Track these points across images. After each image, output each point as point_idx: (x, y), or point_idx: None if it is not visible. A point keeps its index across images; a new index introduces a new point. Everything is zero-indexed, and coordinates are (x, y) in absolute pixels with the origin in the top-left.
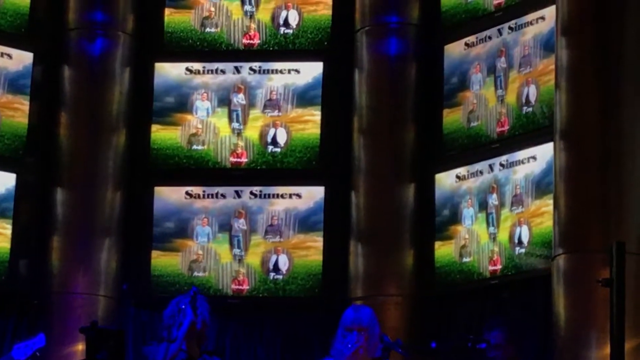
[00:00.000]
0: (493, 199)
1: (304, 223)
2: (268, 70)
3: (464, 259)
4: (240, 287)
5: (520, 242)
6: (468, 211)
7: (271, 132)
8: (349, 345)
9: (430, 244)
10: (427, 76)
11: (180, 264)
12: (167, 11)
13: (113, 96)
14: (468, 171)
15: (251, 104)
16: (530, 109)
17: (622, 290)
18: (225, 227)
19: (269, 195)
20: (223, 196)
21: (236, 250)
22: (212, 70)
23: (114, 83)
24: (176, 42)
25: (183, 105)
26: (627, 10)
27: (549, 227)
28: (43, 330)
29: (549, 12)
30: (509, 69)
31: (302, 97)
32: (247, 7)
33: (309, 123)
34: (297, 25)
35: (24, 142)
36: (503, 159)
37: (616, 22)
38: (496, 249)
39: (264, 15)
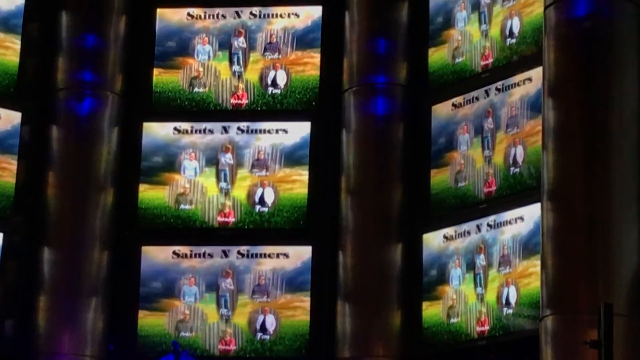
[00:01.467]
0: (481, 260)
1: (291, 283)
2: (256, 130)
3: (452, 320)
4: (228, 347)
5: (508, 303)
6: (455, 271)
7: (259, 191)
8: None
9: (418, 305)
10: (414, 136)
11: (167, 324)
12: (155, 71)
13: (101, 156)
14: (455, 231)
15: (239, 163)
16: (517, 170)
17: (610, 353)
18: (212, 286)
19: (256, 255)
20: (210, 256)
21: (223, 310)
22: (200, 130)
23: (102, 143)
24: (164, 102)
25: (171, 164)
26: (612, 72)
27: (536, 287)
28: None
29: (536, 73)
30: (496, 129)
31: (290, 157)
32: (236, 68)
33: (297, 183)
34: (286, 85)
35: (12, 201)
36: (490, 219)
37: (602, 84)
38: (484, 309)
39: (252, 75)
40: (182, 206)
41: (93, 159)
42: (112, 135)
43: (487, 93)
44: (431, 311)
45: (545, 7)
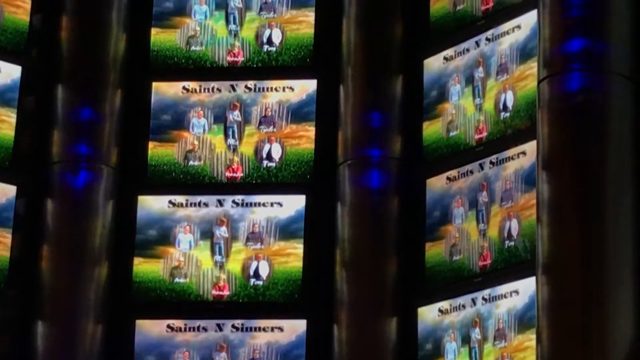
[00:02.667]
0: (476, 334)
1: (286, 357)
2: (251, 203)
3: None
4: None
5: None
6: (451, 345)
7: (254, 264)
8: None
9: None
10: (409, 209)
11: None
12: (150, 144)
13: (96, 229)
14: (451, 305)
15: (234, 236)
16: (512, 243)
17: None
18: (206, 359)
19: (250, 328)
20: (204, 329)
21: None
22: (195, 203)
23: (96, 216)
24: (159, 175)
25: (165, 238)
26: (606, 147)
27: None
28: None
29: (530, 147)
30: (491, 203)
31: (285, 230)
32: (231, 141)
33: (292, 256)
34: (280, 158)
35: (6, 275)
36: (486, 293)
37: (596, 158)
38: None
39: (247, 148)
40: (176, 279)
41: (88, 232)
42: (107, 209)
43: (481, 166)
44: None
45: (539, 82)
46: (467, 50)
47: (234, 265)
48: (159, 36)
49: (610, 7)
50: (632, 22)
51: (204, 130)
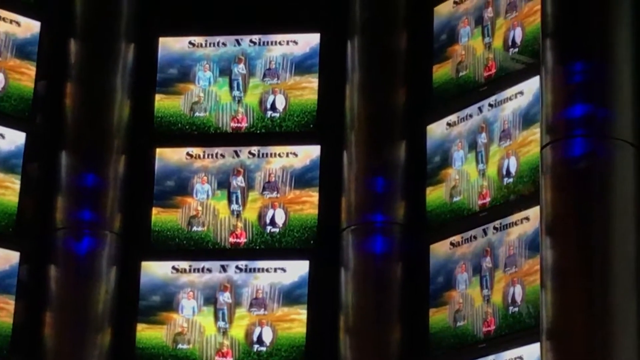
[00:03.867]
0: None
1: None
2: (254, 269)
3: None
4: None
5: None
6: None
7: (257, 330)
8: None
9: None
10: (413, 275)
11: None
12: (154, 210)
13: (99, 295)
14: None
15: (237, 302)
16: (516, 309)
17: None
18: None
19: None
20: None
21: None
22: (198, 269)
23: (100, 282)
24: (163, 241)
25: (169, 304)
26: (610, 212)
27: None
28: None
29: (533, 212)
30: (495, 268)
31: (288, 297)
32: (234, 206)
33: (295, 322)
34: (284, 224)
35: (9, 341)
36: (490, 358)
37: (600, 224)
38: None
39: (250, 214)
40: (179, 346)
41: (91, 299)
42: (111, 275)
43: (485, 232)
44: None
45: (542, 147)
46: (470, 116)
47: (238, 331)
48: (163, 102)
49: (613, 74)
50: (634, 89)
51: (208, 196)
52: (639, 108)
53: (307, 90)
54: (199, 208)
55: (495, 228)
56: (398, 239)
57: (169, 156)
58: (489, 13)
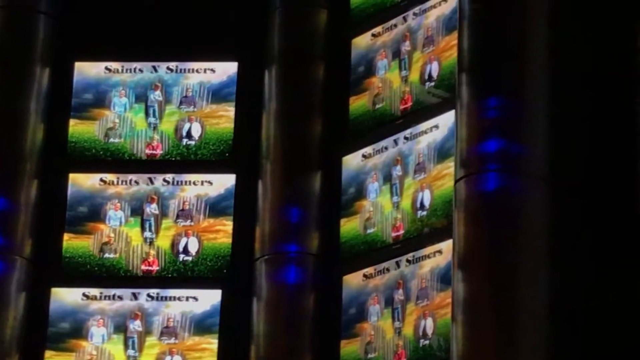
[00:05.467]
0: None
1: None
2: (166, 297)
3: None
4: None
5: None
6: None
7: (167, 359)
8: None
9: None
10: (325, 306)
11: None
12: (66, 236)
13: (7, 321)
14: None
15: (148, 331)
16: (427, 342)
17: None
18: None
19: None
20: None
21: None
22: (109, 297)
23: (8, 308)
24: (74, 267)
25: (78, 331)
26: (521, 247)
27: None
28: None
29: (446, 246)
30: (407, 301)
31: (200, 325)
32: (147, 234)
33: (206, 351)
34: (197, 252)
35: None
36: None
37: (511, 258)
38: None
39: (163, 241)
40: None
41: None
42: (20, 300)
43: (397, 264)
44: None
45: (456, 181)
46: (386, 148)
47: (148, 359)
48: (77, 127)
49: (527, 110)
50: (548, 125)
51: (121, 222)
52: (552, 144)
53: (224, 118)
54: (112, 235)
55: (408, 260)
56: (311, 269)
57: (82, 182)
58: (406, 46)
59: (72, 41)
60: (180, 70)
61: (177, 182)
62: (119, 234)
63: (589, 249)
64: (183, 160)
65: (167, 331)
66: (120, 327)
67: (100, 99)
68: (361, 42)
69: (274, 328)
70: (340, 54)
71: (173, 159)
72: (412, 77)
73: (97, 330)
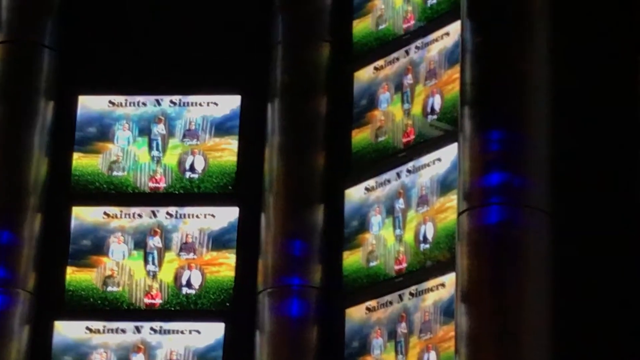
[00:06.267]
0: None
1: None
2: (169, 330)
3: None
4: None
5: None
6: None
7: None
8: None
9: None
10: (328, 339)
11: None
12: (69, 270)
13: (10, 355)
14: None
15: None
16: None
17: None
18: None
19: None
20: None
21: None
22: (112, 330)
23: (11, 341)
24: (77, 301)
25: None
26: (524, 280)
27: None
28: None
29: (449, 279)
30: (410, 334)
31: (203, 358)
32: (150, 267)
33: None
34: (200, 285)
35: None
36: None
37: (514, 291)
38: None
39: (166, 275)
40: None
41: (2, 358)
42: (23, 334)
43: (400, 297)
44: None
45: (459, 214)
46: (388, 181)
47: None
48: (80, 161)
49: (529, 143)
50: (550, 158)
51: (124, 256)
52: (554, 177)
53: (227, 152)
54: (115, 268)
55: (411, 294)
56: (314, 302)
57: (85, 215)
58: (408, 80)
59: (76, 75)
60: (184, 103)
61: (180, 215)
62: (122, 267)
63: (592, 281)
64: (186, 193)
65: None
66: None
67: (103, 133)
68: (363, 75)
69: None
70: (343, 87)
71: (176, 192)
72: (415, 110)
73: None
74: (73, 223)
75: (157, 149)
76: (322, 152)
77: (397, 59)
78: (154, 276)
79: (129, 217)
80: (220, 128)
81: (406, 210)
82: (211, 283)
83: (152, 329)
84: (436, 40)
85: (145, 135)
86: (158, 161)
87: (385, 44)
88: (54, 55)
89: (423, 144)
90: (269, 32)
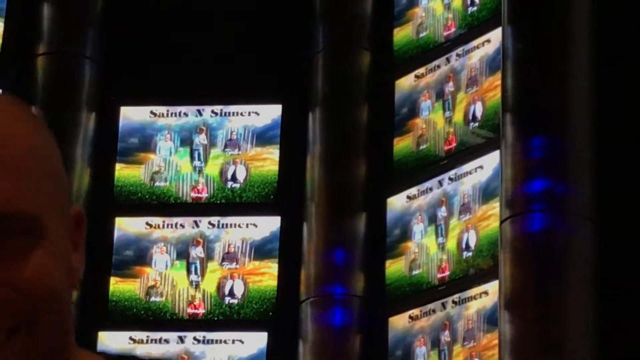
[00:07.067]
0: None
1: None
2: (212, 340)
3: None
4: None
5: None
6: None
7: None
8: None
9: None
10: (371, 348)
11: None
12: (112, 280)
13: None
14: None
15: None
16: None
17: None
18: None
19: None
20: None
21: None
22: (156, 340)
23: None
24: (120, 311)
25: None
26: (569, 286)
27: None
28: None
29: (492, 287)
30: (453, 342)
31: None
32: (193, 277)
33: None
34: (243, 295)
35: None
36: None
37: (558, 298)
38: None
39: (209, 284)
40: None
41: None
42: None
43: (443, 306)
44: None
45: (501, 222)
46: (430, 189)
47: None
48: (123, 172)
49: (572, 149)
50: (593, 164)
51: (167, 266)
52: (597, 183)
53: (268, 161)
54: (158, 278)
55: (454, 302)
56: (357, 311)
57: (128, 226)
58: (450, 87)
59: (117, 86)
60: (225, 113)
61: (223, 225)
62: (165, 278)
63: (637, 289)
64: (228, 203)
65: None
66: None
67: (145, 143)
68: (404, 83)
69: None
70: (384, 96)
71: (218, 202)
72: (456, 117)
73: None
74: (116, 234)
75: (199, 159)
76: (363, 161)
77: (438, 66)
78: (197, 286)
79: (172, 228)
80: (261, 137)
81: (448, 218)
82: (254, 293)
83: (195, 338)
84: (477, 47)
85: (187, 145)
86: (200, 171)
87: (426, 52)
88: (95, 67)
89: (465, 152)
90: (310, 41)
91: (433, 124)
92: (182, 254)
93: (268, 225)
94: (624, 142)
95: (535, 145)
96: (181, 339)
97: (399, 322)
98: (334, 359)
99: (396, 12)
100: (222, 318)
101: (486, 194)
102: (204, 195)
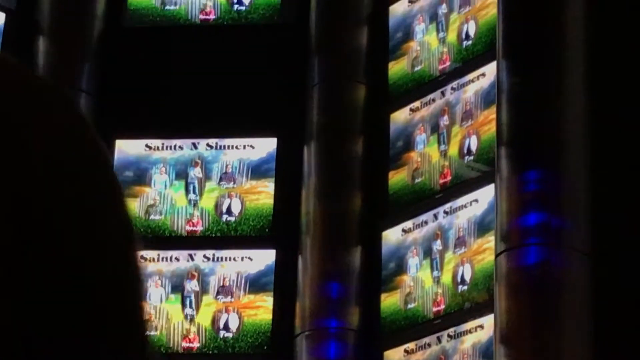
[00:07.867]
0: None
1: None
2: None
3: None
4: None
5: None
6: None
7: None
8: None
9: None
10: None
11: None
12: None
13: None
14: None
15: None
16: None
17: None
18: None
19: None
20: None
21: None
22: None
23: None
24: None
25: None
26: (564, 320)
27: None
28: None
29: (488, 320)
30: None
31: None
32: (188, 311)
33: None
34: (238, 329)
35: None
36: None
37: (554, 331)
38: None
39: (204, 318)
40: None
41: None
42: None
43: (439, 340)
44: None
45: (496, 255)
46: (425, 222)
47: None
48: None
49: (567, 183)
50: (588, 198)
51: (161, 299)
52: (593, 217)
53: (263, 194)
54: (152, 312)
55: (449, 336)
56: (352, 345)
57: None
58: (445, 121)
59: (112, 119)
60: (220, 146)
61: (218, 258)
62: (160, 312)
63: (633, 324)
64: (223, 236)
65: None
66: None
67: (141, 176)
68: (400, 117)
69: None
70: (379, 129)
71: (213, 235)
72: (451, 151)
73: None
74: None
75: (194, 193)
76: (358, 194)
77: (433, 100)
78: (192, 320)
79: (166, 261)
80: (256, 171)
81: (443, 252)
82: (249, 326)
83: None
84: (472, 81)
85: (182, 178)
86: (195, 204)
87: (421, 85)
88: (90, 100)
89: (460, 185)
90: (305, 74)
91: (428, 157)
92: (177, 287)
93: (263, 258)
94: (619, 175)
95: (530, 179)
96: None
97: (394, 356)
98: None
99: (391, 45)
100: (217, 352)
101: (481, 227)
102: (199, 228)
